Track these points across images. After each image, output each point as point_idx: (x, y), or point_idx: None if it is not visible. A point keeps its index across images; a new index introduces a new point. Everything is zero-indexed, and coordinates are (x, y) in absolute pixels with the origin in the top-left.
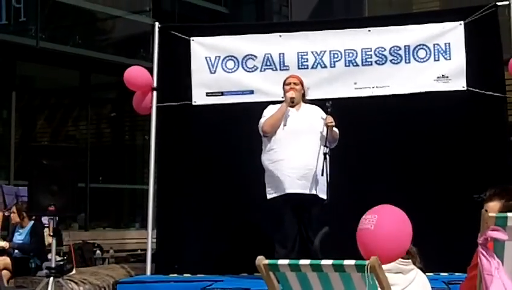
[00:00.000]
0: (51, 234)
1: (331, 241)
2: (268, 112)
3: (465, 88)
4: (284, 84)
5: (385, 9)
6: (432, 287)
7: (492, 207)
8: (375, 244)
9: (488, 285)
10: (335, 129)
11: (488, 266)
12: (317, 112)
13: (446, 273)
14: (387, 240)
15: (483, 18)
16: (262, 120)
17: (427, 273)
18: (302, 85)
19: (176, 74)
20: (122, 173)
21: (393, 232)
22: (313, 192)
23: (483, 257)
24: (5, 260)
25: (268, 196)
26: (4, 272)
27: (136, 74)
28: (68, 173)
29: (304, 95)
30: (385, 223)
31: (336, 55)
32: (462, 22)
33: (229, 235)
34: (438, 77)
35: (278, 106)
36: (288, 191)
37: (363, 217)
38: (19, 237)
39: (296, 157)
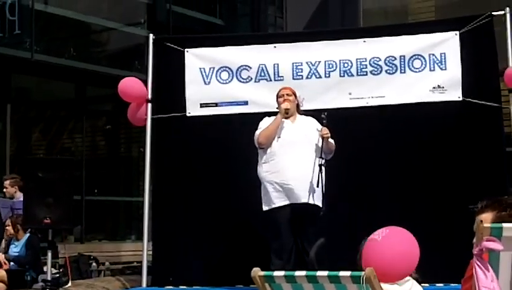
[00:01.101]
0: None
1: (327, 253)
2: (264, 124)
3: (461, 98)
4: (278, 96)
5: (380, 20)
6: None
7: (485, 219)
8: (378, 256)
9: None
10: (331, 140)
11: (484, 278)
12: (313, 123)
13: (441, 284)
14: (393, 257)
15: (478, 28)
16: (257, 132)
17: (422, 284)
18: (296, 96)
19: (170, 86)
20: (118, 185)
21: (400, 250)
22: (309, 203)
23: (478, 268)
24: (1, 273)
25: (264, 208)
26: (0, 285)
27: (130, 85)
28: (63, 186)
29: (298, 106)
30: (393, 238)
31: (330, 66)
32: (457, 32)
33: (225, 247)
34: (433, 87)
35: (273, 117)
36: (284, 202)
37: (376, 231)
38: (15, 249)
39: (292, 169)
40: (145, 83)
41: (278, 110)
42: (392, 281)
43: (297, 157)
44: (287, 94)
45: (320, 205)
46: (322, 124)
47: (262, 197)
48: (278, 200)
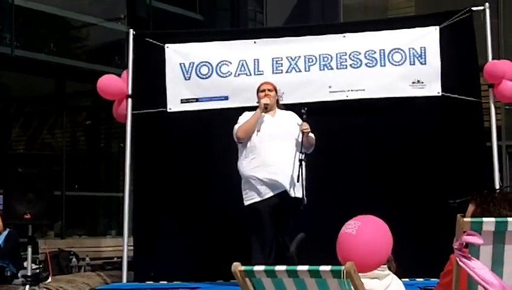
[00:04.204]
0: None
1: (307, 247)
2: (243, 119)
3: (440, 93)
4: (258, 91)
5: (360, 15)
6: None
7: (468, 211)
8: (355, 250)
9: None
10: (311, 135)
11: (472, 262)
12: (293, 118)
13: (422, 279)
14: (367, 247)
15: (458, 23)
16: (236, 126)
17: (402, 279)
18: (276, 91)
19: (151, 81)
20: (98, 180)
21: (374, 240)
22: (290, 196)
23: (463, 258)
24: None
25: (246, 203)
26: None
27: (108, 82)
28: (44, 181)
29: (278, 101)
30: (367, 230)
31: (310, 60)
32: (437, 27)
33: (206, 242)
34: (413, 82)
35: (253, 112)
36: (265, 197)
37: (346, 223)
38: None
39: (272, 163)
40: (126, 78)
41: (258, 105)
42: (370, 271)
43: (278, 152)
44: (269, 89)
45: (301, 199)
46: (302, 119)
47: (243, 192)
48: (259, 195)
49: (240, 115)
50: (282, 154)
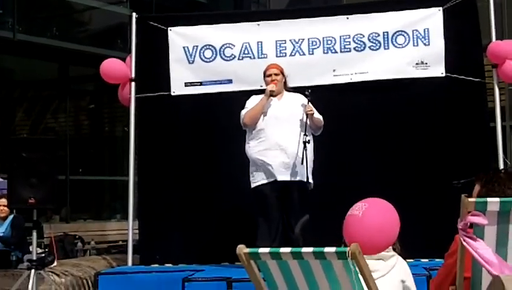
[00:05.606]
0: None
1: (312, 229)
2: (251, 103)
3: (444, 74)
4: (265, 75)
5: None
6: (412, 274)
7: (474, 191)
8: (361, 232)
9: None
10: (318, 116)
11: (477, 243)
12: (300, 100)
13: (426, 260)
14: (373, 229)
15: (461, 4)
16: (243, 112)
17: (407, 260)
18: (283, 74)
19: (154, 65)
20: (102, 164)
21: (381, 223)
22: (297, 179)
23: (468, 239)
24: None
25: (252, 185)
26: None
27: (111, 67)
28: (48, 165)
29: (285, 83)
30: (373, 212)
31: (314, 43)
32: (440, 8)
33: (211, 225)
34: (416, 63)
35: (261, 96)
36: (271, 179)
37: (354, 205)
38: (0, 229)
39: (279, 146)
40: (129, 62)
41: (263, 88)
42: (376, 253)
43: (285, 135)
44: (275, 74)
45: (308, 181)
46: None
47: (250, 175)
48: (266, 177)
49: (244, 98)
50: (289, 137)
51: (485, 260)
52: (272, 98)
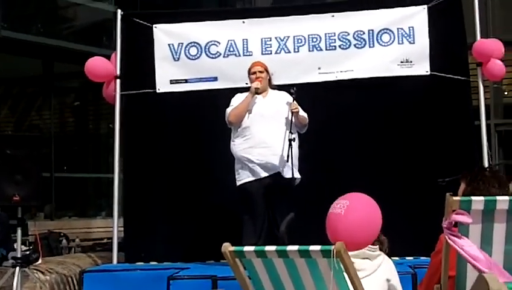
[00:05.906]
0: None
1: (297, 227)
2: (236, 101)
3: (429, 72)
4: (249, 72)
5: None
6: (397, 272)
7: (460, 190)
8: (344, 230)
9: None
10: (303, 114)
11: (462, 241)
12: (284, 98)
13: (411, 258)
14: (356, 227)
15: (446, 2)
16: (228, 110)
17: (392, 258)
18: (268, 72)
19: (139, 62)
20: (87, 162)
21: (363, 220)
22: (282, 177)
23: (453, 237)
24: None
25: (238, 183)
26: None
27: (96, 65)
28: (32, 163)
29: (270, 81)
30: (356, 209)
31: (299, 40)
32: (425, 6)
33: (196, 223)
34: (401, 62)
35: (246, 94)
36: (257, 177)
37: (335, 202)
38: None
39: (264, 144)
40: (114, 60)
41: (248, 85)
42: (359, 249)
43: (270, 132)
44: (259, 71)
45: (293, 179)
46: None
47: (236, 172)
48: (252, 175)
49: (229, 96)
50: (274, 135)
51: (472, 257)
52: (256, 95)
